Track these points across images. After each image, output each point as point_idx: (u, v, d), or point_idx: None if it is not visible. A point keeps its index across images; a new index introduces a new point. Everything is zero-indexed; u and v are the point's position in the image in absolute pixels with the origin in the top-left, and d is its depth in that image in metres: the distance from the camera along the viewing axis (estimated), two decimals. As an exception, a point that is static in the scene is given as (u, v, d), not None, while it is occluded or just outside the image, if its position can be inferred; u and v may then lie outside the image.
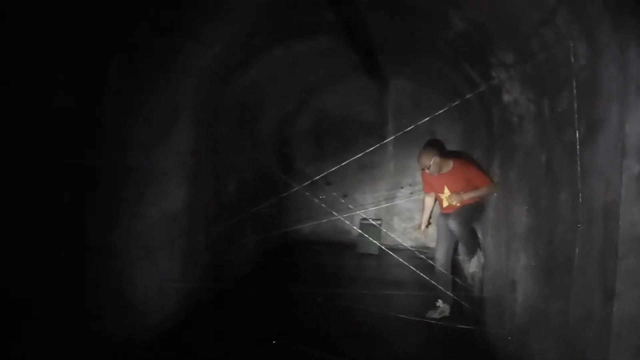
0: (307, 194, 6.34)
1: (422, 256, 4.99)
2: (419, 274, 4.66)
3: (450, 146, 7.70)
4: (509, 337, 3.50)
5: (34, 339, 2.91)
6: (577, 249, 2.28)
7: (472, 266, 4.95)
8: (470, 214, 4.72)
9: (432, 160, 4.60)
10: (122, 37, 3.24)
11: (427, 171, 4.72)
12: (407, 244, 7.68)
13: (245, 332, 4.24)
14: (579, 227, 2.26)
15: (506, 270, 3.74)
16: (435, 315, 4.83)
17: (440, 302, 4.91)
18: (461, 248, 4.94)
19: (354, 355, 3.86)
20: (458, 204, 4.60)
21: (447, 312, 4.88)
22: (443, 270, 4.87)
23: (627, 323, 1.89)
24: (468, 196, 4.54)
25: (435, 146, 4.81)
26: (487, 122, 4.87)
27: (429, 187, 5.07)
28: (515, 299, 3.42)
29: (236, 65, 4.93)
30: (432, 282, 4.73)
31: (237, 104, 5.66)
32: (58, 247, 3.05)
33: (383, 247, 6.04)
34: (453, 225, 4.56)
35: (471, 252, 4.88)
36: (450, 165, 4.71)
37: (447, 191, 4.76)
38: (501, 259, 3.95)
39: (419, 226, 5.32)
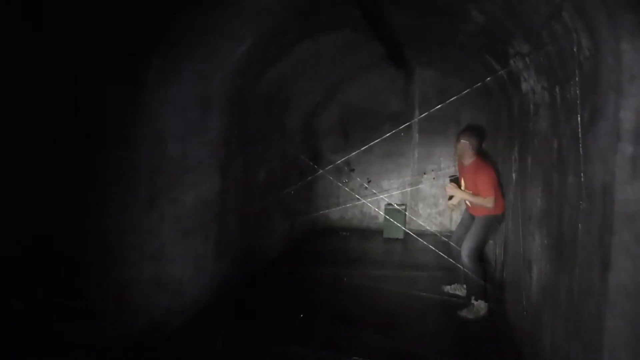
0: (332, 178, 6.56)
1: (446, 239, 5.19)
2: (443, 256, 4.87)
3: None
4: (525, 314, 3.69)
5: (81, 309, 3.24)
6: (579, 227, 2.47)
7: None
8: (489, 225, 4.83)
9: (463, 143, 4.80)
10: (162, 35, 3.52)
11: (455, 149, 4.96)
12: (432, 229, 7.88)
13: (275, 309, 4.51)
14: (581, 205, 2.44)
15: (523, 251, 3.92)
16: (470, 315, 4.59)
17: (473, 299, 4.70)
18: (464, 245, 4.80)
19: (378, 331, 4.10)
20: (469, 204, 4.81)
21: (482, 312, 4.61)
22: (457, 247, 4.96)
23: (622, 292, 2.08)
24: (461, 194, 4.76)
25: (476, 136, 4.93)
26: (508, 111, 5.02)
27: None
28: (531, 278, 3.60)
29: (265, 60, 5.19)
30: (458, 265, 4.87)
31: (266, 97, 5.93)
32: (104, 229, 3.36)
33: (408, 231, 6.23)
34: (473, 224, 4.79)
35: (469, 268, 4.70)
36: (471, 160, 4.85)
37: (463, 185, 4.96)
38: (519, 240, 4.12)
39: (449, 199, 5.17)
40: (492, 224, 4.89)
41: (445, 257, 4.89)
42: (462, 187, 4.93)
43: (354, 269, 6.00)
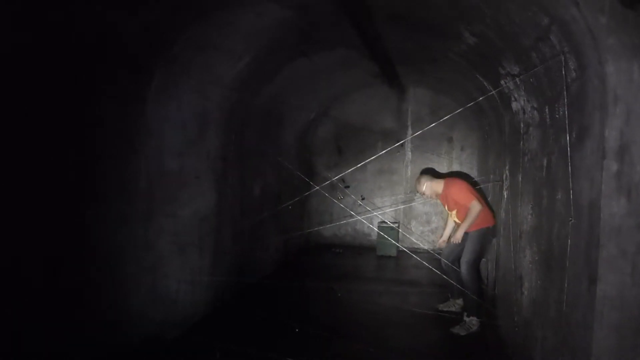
0: (327, 195, 6.64)
1: (439, 256, 5.26)
2: (436, 273, 4.94)
3: (467, 152, 7.98)
4: (516, 329, 3.75)
5: (78, 324, 3.27)
6: (569, 241, 2.55)
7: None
8: (482, 237, 4.90)
9: (424, 186, 5.05)
10: (163, 52, 3.62)
11: (424, 197, 5.24)
12: (425, 246, 7.96)
13: (270, 322, 4.54)
14: (571, 221, 2.53)
15: (514, 266, 4.00)
16: (463, 332, 4.61)
17: (465, 316, 4.73)
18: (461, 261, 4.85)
19: (371, 344, 4.14)
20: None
21: (474, 328, 4.63)
22: (451, 267, 5.00)
23: (608, 303, 2.16)
24: (461, 232, 4.76)
25: (424, 173, 5.25)
26: (499, 129, 5.14)
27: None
28: (522, 293, 3.68)
29: (262, 77, 5.30)
30: (452, 281, 4.92)
31: (262, 112, 6.03)
32: (103, 242, 3.41)
33: (402, 247, 6.30)
34: (467, 239, 4.83)
35: (466, 282, 4.75)
36: (442, 185, 5.07)
37: (447, 209, 5.15)
38: (510, 257, 4.20)
39: (440, 237, 5.42)
40: (485, 236, 4.95)
41: (438, 273, 4.96)
42: (448, 212, 5.16)
43: (347, 284, 6.05)
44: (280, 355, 3.69)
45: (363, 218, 7.83)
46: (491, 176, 5.88)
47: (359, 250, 8.51)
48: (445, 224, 5.43)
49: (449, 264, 4.99)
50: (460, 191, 4.85)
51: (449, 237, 5.12)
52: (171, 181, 4.19)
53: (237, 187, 5.53)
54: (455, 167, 8.15)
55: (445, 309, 5.19)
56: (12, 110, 2.61)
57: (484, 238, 4.92)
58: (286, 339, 4.27)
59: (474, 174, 7.91)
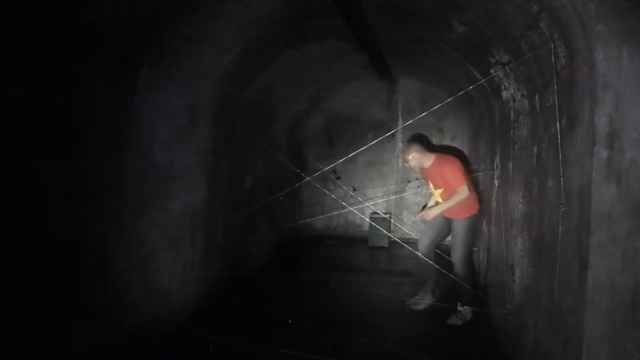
0: (318, 186, 6.64)
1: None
2: (428, 263, 4.95)
3: (458, 141, 8.00)
4: (508, 316, 3.78)
5: (67, 320, 3.25)
6: (560, 229, 2.57)
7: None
8: (472, 226, 4.78)
9: (411, 155, 4.77)
10: (151, 45, 3.58)
11: (407, 165, 4.91)
12: (416, 236, 7.97)
13: (263, 314, 4.54)
14: (562, 208, 2.54)
15: (506, 255, 4.02)
16: (459, 322, 4.63)
17: (460, 306, 4.72)
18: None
19: (365, 334, 4.15)
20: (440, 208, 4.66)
21: (469, 317, 4.67)
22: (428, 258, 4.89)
23: (599, 289, 2.18)
24: (437, 211, 4.62)
25: (416, 141, 4.94)
26: (489, 118, 5.15)
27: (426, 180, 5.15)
28: (514, 281, 3.70)
29: (252, 68, 5.26)
30: (445, 272, 4.69)
31: (252, 105, 6.00)
32: (94, 237, 3.39)
33: (394, 238, 6.31)
34: (455, 230, 4.75)
35: (462, 274, 4.69)
36: (432, 160, 4.81)
37: (431, 186, 4.95)
38: (501, 245, 4.23)
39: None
40: (474, 224, 4.83)
41: (431, 263, 4.96)
42: (431, 189, 4.94)
43: (340, 275, 6.06)
44: (274, 347, 3.70)
45: (355, 209, 7.84)
46: (481, 165, 5.90)
47: (351, 241, 8.52)
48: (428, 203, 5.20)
49: (427, 255, 4.87)
50: (454, 171, 4.60)
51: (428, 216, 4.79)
52: (161, 175, 4.16)
53: (228, 180, 5.51)
54: (446, 157, 8.16)
55: (413, 307, 4.99)
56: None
57: (473, 227, 4.80)
58: (280, 330, 4.27)
59: (464, 162, 7.93)
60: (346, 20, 4.37)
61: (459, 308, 4.72)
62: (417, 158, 4.79)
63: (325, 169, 5.65)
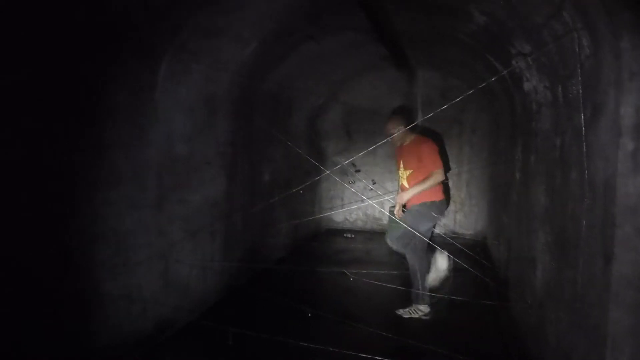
0: (337, 179, 6.61)
1: (451, 241, 5.24)
2: (449, 257, 4.92)
3: (478, 134, 7.90)
4: (530, 310, 3.74)
5: (89, 309, 3.30)
6: (583, 221, 2.52)
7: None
8: (424, 214, 4.55)
9: (397, 128, 4.56)
10: (171, 38, 3.60)
11: (390, 139, 4.63)
12: (436, 230, 7.92)
13: (282, 307, 4.56)
14: (586, 201, 2.50)
15: (527, 249, 3.98)
16: (406, 315, 4.56)
17: (414, 302, 4.59)
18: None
19: (384, 328, 4.14)
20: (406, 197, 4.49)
21: (421, 314, 4.53)
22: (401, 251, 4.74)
23: (624, 283, 2.13)
24: (410, 194, 4.45)
25: (403, 113, 4.76)
26: (510, 110, 5.08)
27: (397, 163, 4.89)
28: (535, 275, 3.65)
29: (270, 61, 5.26)
30: (464, 265, 4.59)
31: (270, 98, 6.01)
32: (115, 229, 3.43)
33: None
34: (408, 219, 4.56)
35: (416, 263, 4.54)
36: (411, 138, 4.66)
37: (402, 167, 4.72)
38: (522, 239, 4.18)
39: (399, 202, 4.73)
40: (428, 212, 4.50)
41: (452, 257, 4.91)
42: (401, 170, 4.70)
43: (359, 268, 6.05)
44: (293, 340, 3.71)
45: (374, 202, 7.81)
46: (502, 158, 5.82)
47: (370, 235, 8.50)
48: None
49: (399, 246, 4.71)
50: (432, 152, 4.41)
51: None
52: (181, 167, 4.19)
53: (247, 173, 5.53)
54: (466, 150, 8.08)
55: (406, 316, 4.60)
56: (24, 101, 2.62)
57: (427, 213, 4.50)
58: (299, 323, 4.29)
59: (485, 155, 7.84)
60: (364, 11, 4.34)
61: (413, 303, 4.57)
62: (401, 134, 4.56)
63: (344, 163, 5.61)
